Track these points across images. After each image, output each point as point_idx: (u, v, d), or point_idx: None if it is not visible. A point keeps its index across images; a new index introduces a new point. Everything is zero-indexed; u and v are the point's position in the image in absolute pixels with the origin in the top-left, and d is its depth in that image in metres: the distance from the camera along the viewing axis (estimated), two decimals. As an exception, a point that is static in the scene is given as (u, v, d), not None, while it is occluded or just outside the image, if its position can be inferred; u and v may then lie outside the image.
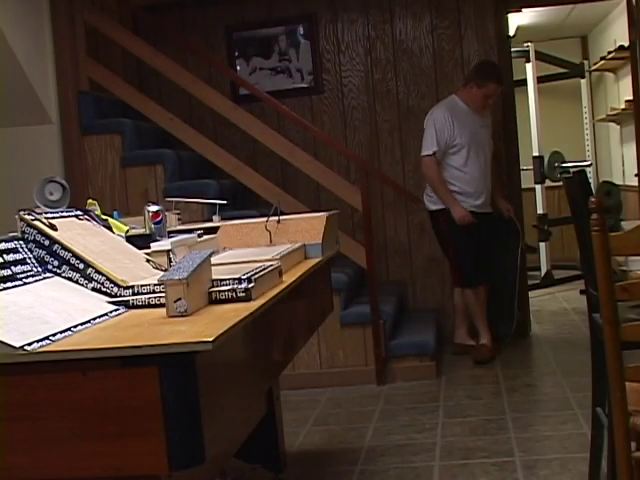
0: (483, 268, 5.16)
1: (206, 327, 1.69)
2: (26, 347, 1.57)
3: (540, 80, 8.05)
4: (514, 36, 7.30)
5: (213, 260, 2.10)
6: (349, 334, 4.81)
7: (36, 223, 2.11)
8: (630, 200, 7.62)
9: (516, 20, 7.67)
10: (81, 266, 2.06)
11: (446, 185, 5.04)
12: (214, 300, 1.97)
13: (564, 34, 9.09)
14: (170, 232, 2.84)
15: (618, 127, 8.21)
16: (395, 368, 4.82)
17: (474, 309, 5.18)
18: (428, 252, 5.80)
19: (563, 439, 3.58)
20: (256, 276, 2.04)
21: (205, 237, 2.80)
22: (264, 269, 2.16)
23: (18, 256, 2.01)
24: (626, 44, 6.29)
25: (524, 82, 7.78)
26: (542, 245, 7.85)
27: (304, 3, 5.90)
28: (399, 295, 5.57)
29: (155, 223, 2.75)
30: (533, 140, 7.85)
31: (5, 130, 4.68)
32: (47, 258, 2.08)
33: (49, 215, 2.20)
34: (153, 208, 2.77)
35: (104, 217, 2.72)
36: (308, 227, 2.98)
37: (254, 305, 1.92)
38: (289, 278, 2.36)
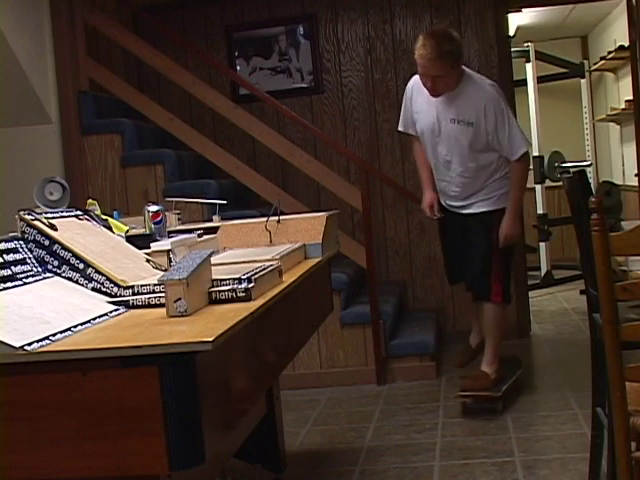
0: (455, 269, 4.38)
1: (206, 327, 1.69)
2: (26, 347, 1.57)
3: (540, 80, 8.05)
4: (514, 36, 7.31)
5: (213, 260, 2.10)
6: (349, 334, 4.82)
7: (36, 223, 2.11)
8: (630, 200, 7.62)
9: (516, 20, 7.68)
10: (81, 266, 2.06)
11: (423, 167, 4.32)
12: (214, 300, 1.97)
13: (564, 34, 9.09)
14: (170, 232, 2.84)
15: (618, 127, 8.21)
16: (395, 368, 4.82)
17: None
18: (428, 252, 5.80)
19: (563, 439, 3.58)
20: (256, 276, 2.04)
21: (205, 237, 2.80)
22: (264, 269, 2.16)
23: (18, 256, 2.01)
24: (626, 44, 6.29)
25: (524, 82, 7.79)
26: (542, 245, 7.86)
27: (304, 3, 5.91)
28: (399, 295, 5.57)
29: (155, 223, 2.75)
30: (533, 140, 7.84)
31: (5, 130, 4.68)
32: (47, 258, 2.08)
33: (49, 215, 2.20)
34: (153, 208, 2.77)
35: (104, 217, 2.72)
36: (308, 227, 2.98)
37: (254, 305, 1.92)
38: (289, 278, 2.36)
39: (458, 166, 4.08)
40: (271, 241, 2.94)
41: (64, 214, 2.29)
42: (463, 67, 4.03)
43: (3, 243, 2.01)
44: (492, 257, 4.13)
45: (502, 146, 4.00)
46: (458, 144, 4.02)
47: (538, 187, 7.95)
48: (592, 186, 6.89)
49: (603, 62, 7.84)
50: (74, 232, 2.19)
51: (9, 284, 1.88)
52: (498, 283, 4.14)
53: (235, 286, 1.98)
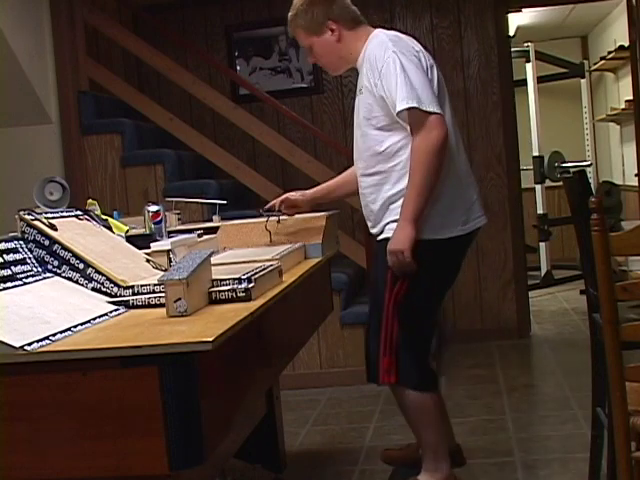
0: None
1: (206, 327, 1.69)
2: (26, 347, 1.57)
3: (540, 80, 8.06)
4: (514, 36, 7.30)
5: (213, 260, 2.10)
6: (349, 334, 4.81)
7: (36, 223, 2.11)
8: (630, 200, 7.62)
9: (516, 20, 7.68)
10: (81, 266, 2.06)
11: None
12: (214, 300, 1.97)
13: (564, 34, 9.09)
14: (170, 232, 2.84)
15: (618, 127, 8.21)
16: (395, 368, 4.81)
17: None
18: (428, 252, 5.79)
19: (563, 439, 3.58)
20: (256, 276, 2.04)
21: (205, 237, 2.80)
22: (264, 269, 2.16)
23: (18, 256, 2.01)
24: (626, 44, 6.29)
25: (524, 82, 7.79)
26: (542, 245, 7.86)
27: (304, 3, 5.90)
28: (399, 295, 5.55)
29: (155, 223, 2.75)
30: (533, 140, 7.85)
31: (5, 130, 4.68)
32: (47, 258, 2.08)
33: (49, 215, 2.20)
34: (153, 208, 2.77)
35: (104, 217, 2.73)
36: (308, 227, 2.98)
37: (254, 305, 1.92)
38: (289, 278, 2.36)
39: (358, 159, 2.90)
40: (271, 241, 2.94)
41: (64, 214, 2.29)
42: (378, 31, 2.89)
43: (3, 243, 2.01)
44: (384, 312, 2.77)
45: (391, 101, 2.67)
46: (358, 122, 2.86)
47: (538, 187, 7.95)
48: (592, 186, 6.89)
49: (603, 62, 7.84)
50: (74, 232, 2.19)
51: (9, 284, 1.88)
52: (388, 355, 2.77)
53: (235, 286, 1.98)
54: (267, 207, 3.02)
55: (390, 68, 2.65)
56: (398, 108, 2.61)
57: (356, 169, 2.93)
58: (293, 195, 3.10)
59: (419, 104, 2.60)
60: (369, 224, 2.93)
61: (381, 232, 2.82)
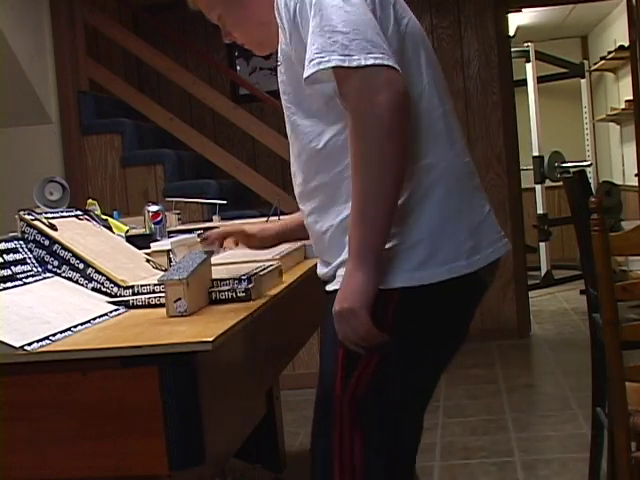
0: None
1: (206, 327, 1.69)
2: (26, 347, 1.57)
3: (540, 80, 8.06)
4: (514, 36, 7.31)
5: (213, 260, 2.10)
6: (349, 334, 4.80)
7: (36, 223, 2.11)
8: (630, 200, 7.62)
9: (516, 20, 7.68)
10: (81, 266, 2.06)
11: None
12: (214, 300, 1.97)
13: (564, 34, 9.09)
14: (170, 232, 2.84)
15: (618, 127, 8.21)
16: (395, 368, 4.80)
17: None
18: (428, 252, 5.79)
19: (563, 439, 3.58)
20: (256, 276, 2.04)
21: (205, 237, 2.79)
22: (264, 269, 2.16)
23: (18, 256, 2.01)
24: (626, 44, 6.30)
25: (524, 82, 7.79)
26: (542, 245, 7.86)
27: (304, 3, 5.90)
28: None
29: (155, 223, 2.75)
30: (533, 140, 7.85)
31: (5, 130, 4.69)
32: (47, 258, 2.08)
33: (49, 215, 2.20)
34: (153, 208, 2.77)
35: (104, 217, 2.73)
36: (308, 227, 2.97)
37: (254, 305, 1.92)
38: (289, 278, 2.36)
39: (295, 172, 1.87)
40: (271, 241, 2.93)
41: (64, 214, 2.29)
42: None
43: (3, 243, 2.01)
44: (336, 418, 1.66)
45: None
46: (287, 114, 1.94)
47: (538, 187, 7.96)
48: (592, 186, 6.89)
49: (603, 62, 7.85)
50: (74, 232, 2.19)
51: (9, 284, 1.88)
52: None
53: (235, 286, 1.97)
54: (204, 236, 2.13)
55: (305, 10, 1.59)
56: (305, 73, 1.57)
57: (295, 191, 1.85)
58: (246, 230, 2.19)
59: (344, 59, 1.50)
60: (318, 266, 1.86)
61: (332, 279, 1.77)
